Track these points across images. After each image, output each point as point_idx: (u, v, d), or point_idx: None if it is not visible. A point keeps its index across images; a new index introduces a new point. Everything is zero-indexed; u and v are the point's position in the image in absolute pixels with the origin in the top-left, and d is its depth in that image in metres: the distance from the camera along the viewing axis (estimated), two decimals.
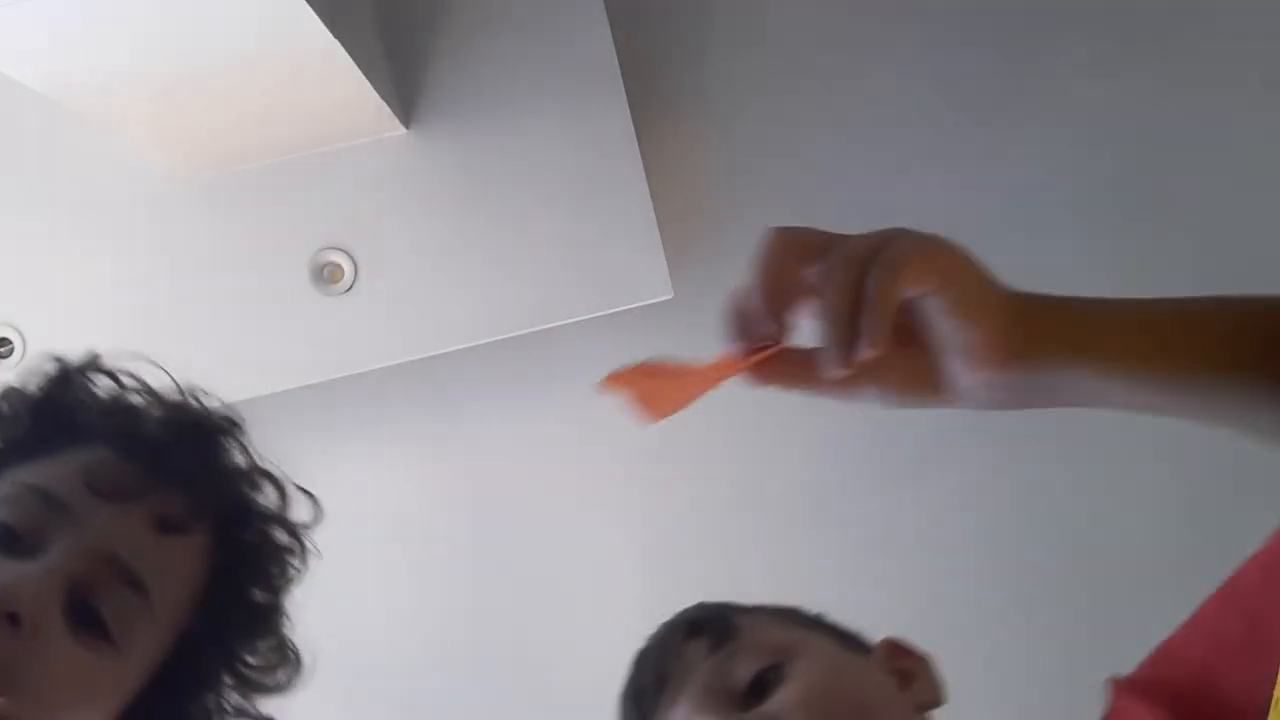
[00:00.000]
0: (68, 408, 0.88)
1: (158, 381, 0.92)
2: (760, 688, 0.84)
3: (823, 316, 0.60)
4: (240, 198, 1.76)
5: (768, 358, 0.65)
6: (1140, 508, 1.93)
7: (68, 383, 0.90)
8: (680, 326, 1.82)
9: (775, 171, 1.92)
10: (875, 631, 0.98)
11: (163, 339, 1.76)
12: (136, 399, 0.90)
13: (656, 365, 0.69)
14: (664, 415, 0.69)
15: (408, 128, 1.76)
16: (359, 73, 1.48)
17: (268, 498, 0.91)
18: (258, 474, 0.91)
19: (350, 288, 1.74)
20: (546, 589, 1.99)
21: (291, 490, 0.92)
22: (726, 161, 1.92)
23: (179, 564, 0.83)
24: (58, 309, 1.71)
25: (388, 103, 1.65)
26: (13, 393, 0.90)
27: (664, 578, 1.97)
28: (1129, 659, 0.76)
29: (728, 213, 1.92)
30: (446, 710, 2.01)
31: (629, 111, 1.76)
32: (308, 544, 0.92)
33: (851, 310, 0.59)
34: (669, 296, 1.73)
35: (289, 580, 0.91)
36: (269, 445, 2.09)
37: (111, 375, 0.91)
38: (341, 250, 1.74)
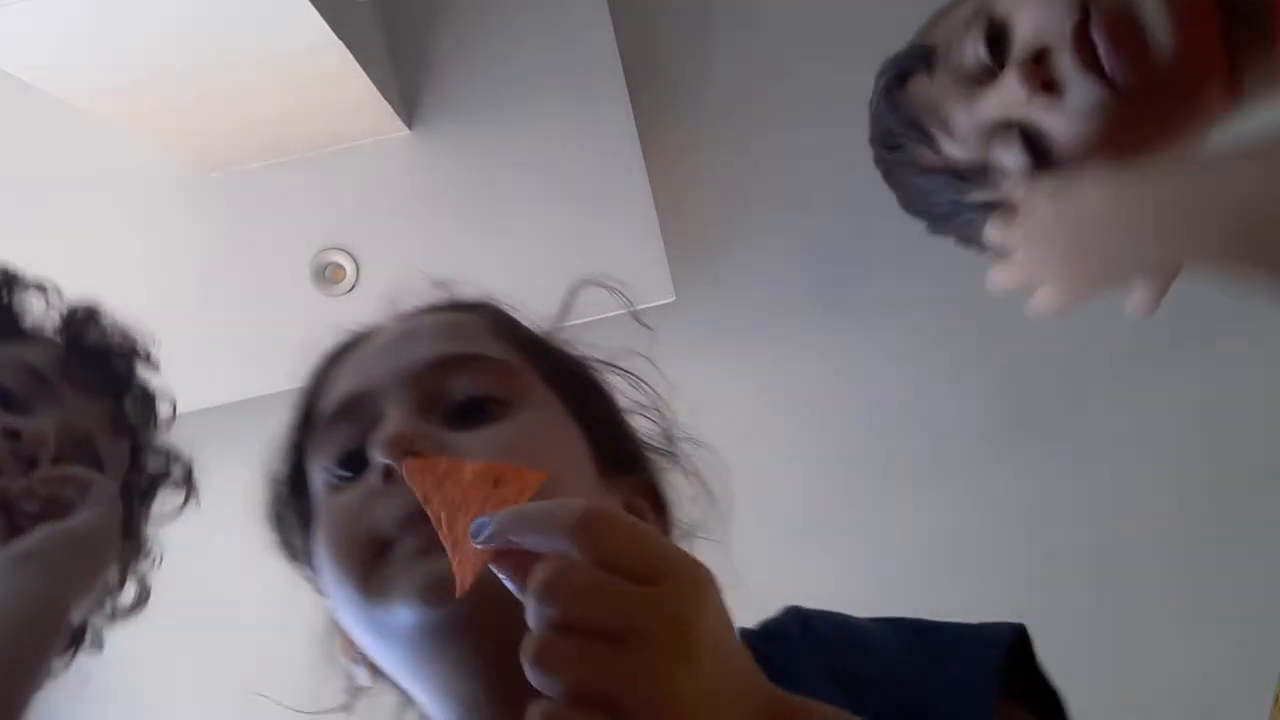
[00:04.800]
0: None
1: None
2: None
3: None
4: (243, 197, 1.76)
5: None
6: (1144, 513, 1.93)
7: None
8: (683, 329, 1.83)
9: (777, 174, 1.91)
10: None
11: (164, 337, 1.76)
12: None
13: None
14: None
15: (410, 128, 1.76)
16: (362, 73, 1.49)
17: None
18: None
19: (352, 288, 1.74)
20: None
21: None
22: (729, 165, 1.92)
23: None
24: None
25: (390, 103, 1.66)
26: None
27: None
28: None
29: (730, 216, 1.92)
30: None
31: (632, 114, 1.76)
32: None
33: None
34: (671, 299, 1.73)
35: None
36: (270, 445, 2.09)
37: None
38: (343, 250, 1.75)
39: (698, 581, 0.50)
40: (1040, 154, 0.90)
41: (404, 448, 0.65)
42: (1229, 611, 1.87)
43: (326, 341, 0.85)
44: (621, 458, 0.78)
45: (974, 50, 0.91)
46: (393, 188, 1.77)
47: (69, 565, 0.83)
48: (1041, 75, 0.86)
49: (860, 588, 1.90)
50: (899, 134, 1.00)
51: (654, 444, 0.82)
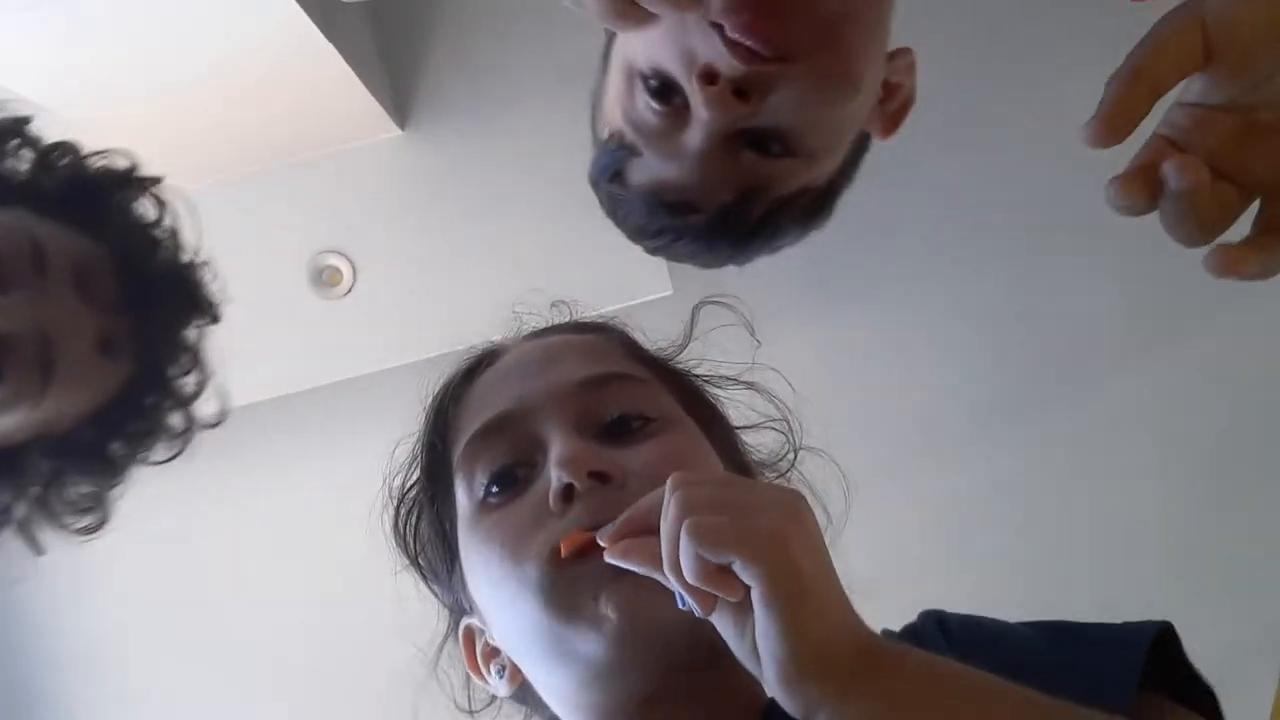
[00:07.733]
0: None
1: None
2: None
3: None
4: (238, 202, 1.75)
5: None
6: (1143, 506, 1.93)
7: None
8: (681, 323, 1.82)
9: None
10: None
11: None
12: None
13: None
14: None
15: (403, 129, 1.76)
16: (353, 75, 1.48)
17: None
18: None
19: (349, 291, 1.74)
20: None
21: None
22: None
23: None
24: None
25: (383, 105, 1.65)
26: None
27: None
28: None
29: None
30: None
31: None
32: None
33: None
34: (669, 293, 1.73)
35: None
36: (271, 448, 2.08)
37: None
38: (340, 254, 1.74)
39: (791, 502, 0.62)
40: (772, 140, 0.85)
41: (586, 468, 0.68)
42: (1229, 608, 1.87)
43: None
44: (740, 470, 0.82)
45: (648, 109, 0.86)
46: (387, 189, 1.76)
47: None
48: (717, 85, 0.80)
49: (860, 576, 1.90)
50: (661, 222, 0.94)
51: (763, 458, 0.86)
